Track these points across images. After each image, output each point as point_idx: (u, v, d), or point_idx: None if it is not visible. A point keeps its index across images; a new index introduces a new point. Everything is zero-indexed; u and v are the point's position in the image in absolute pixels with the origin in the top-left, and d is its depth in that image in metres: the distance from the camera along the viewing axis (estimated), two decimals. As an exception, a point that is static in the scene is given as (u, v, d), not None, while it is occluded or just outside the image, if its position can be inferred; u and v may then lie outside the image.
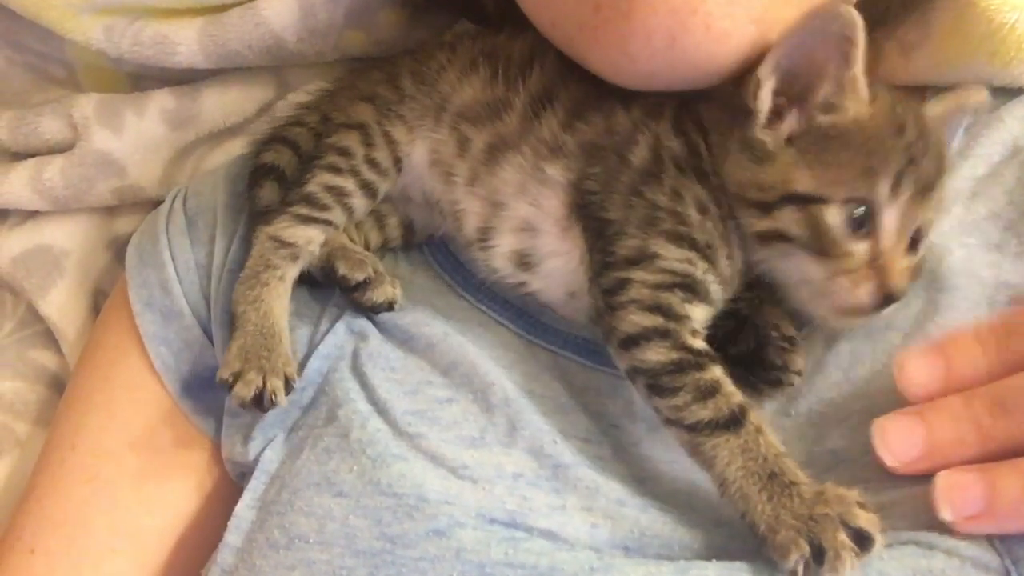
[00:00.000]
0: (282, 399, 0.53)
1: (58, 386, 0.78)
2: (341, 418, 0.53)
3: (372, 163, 0.60)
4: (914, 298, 0.52)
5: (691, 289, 0.50)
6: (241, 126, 0.77)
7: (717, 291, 0.52)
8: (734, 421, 0.46)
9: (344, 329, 0.58)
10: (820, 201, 0.48)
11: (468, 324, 0.58)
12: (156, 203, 0.72)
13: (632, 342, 0.49)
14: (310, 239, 0.58)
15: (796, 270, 0.50)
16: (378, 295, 0.57)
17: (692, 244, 0.51)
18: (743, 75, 0.52)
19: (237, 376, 0.53)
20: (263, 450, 0.56)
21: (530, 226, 0.56)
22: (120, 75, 0.78)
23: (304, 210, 0.59)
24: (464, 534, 0.46)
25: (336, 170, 0.60)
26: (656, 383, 0.48)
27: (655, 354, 0.48)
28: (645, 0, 0.49)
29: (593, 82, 0.55)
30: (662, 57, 0.50)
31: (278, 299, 0.57)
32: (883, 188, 0.48)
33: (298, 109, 0.68)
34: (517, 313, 0.58)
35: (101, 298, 0.78)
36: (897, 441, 0.44)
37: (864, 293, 0.49)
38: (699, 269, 0.51)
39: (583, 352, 0.56)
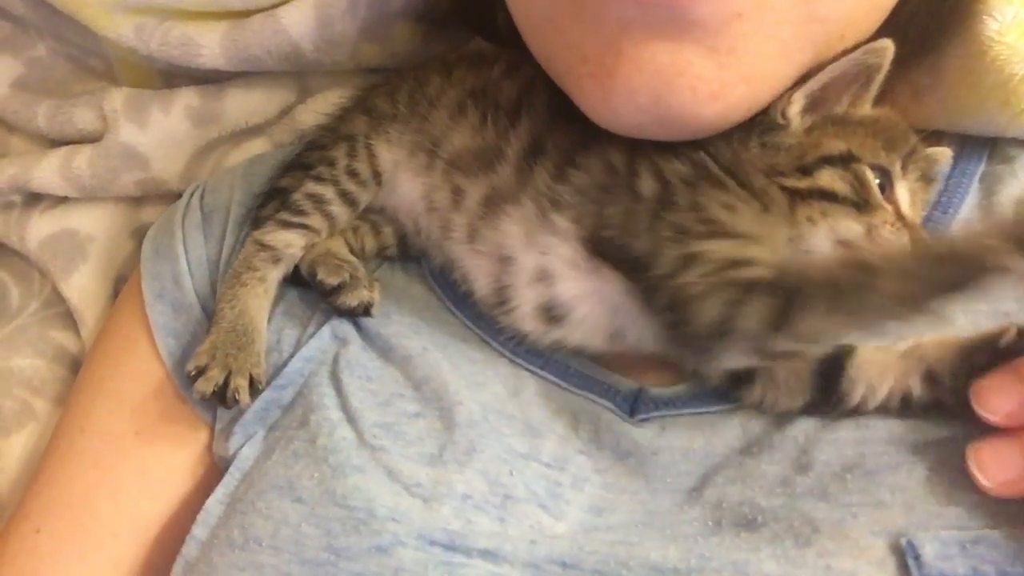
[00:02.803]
0: (244, 398, 0.55)
1: (76, 367, 0.81)
2: (312, 423, 0.54)
3: (352, 173, 0.62)
4: None
5: (752, 264, 0.48)
6: (262, 127, 0.78)
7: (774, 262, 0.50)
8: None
9: (329, 333, 0.59)
10: (854, 159, 0.52)
11: (452, 340, 0.58)
12: (178, 196, 0.74)
13: (723, 327, 0.47)
14: (289, 243, 0.60)
15: (832, 231, 0.51)
16: (351, 299, 0.59)
17: (736, 235, 0.50)
18: None
19: (201, 371, 0.55)
20: (242, 446, 0.57)
21: (546, 274, 0.55)
22: (152, 71, 0.80)
23: (286, 215, 0.61)
24: (405, 553, 0.47)
25: (319, 179, 0.62)
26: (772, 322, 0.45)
27: (752, 313, 0.46)
28: (630, 58, 0.49)
29: (578, 125, 0.54)
30: (647, 114, 0.50)
31: (255, 299, 0.59)
32: (896, 163, 0.53)
33: (319, 132, 0.69)
34: (501, 331, 0.58)
35: (122, 284, 0.80)
36: (992, 463, 0.44)
37: (907, 242, 0.51)
38: (752, 250, 0.49)
39: (563, 374, 0.56)
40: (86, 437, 0.63)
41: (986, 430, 0.46)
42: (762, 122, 0.52)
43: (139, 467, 0.62)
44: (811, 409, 0.51)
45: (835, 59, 0.52)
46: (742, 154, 0.52)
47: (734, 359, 0.49)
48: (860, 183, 0.51)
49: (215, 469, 0.63)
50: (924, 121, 0.61)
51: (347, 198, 0.62)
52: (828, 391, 0.51)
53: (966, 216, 0.58)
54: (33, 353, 0.81)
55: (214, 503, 0.55)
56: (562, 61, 0.54)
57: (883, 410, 0.50)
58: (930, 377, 0.49)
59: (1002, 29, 0.56)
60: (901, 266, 0.43)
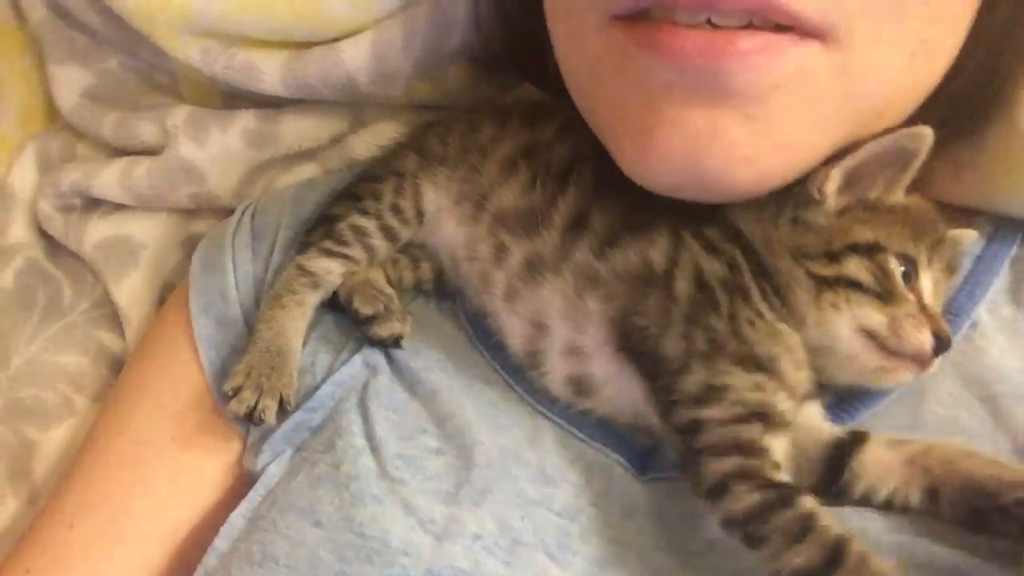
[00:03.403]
0: (271, 418, 0.57)
1: (117, 367, 0.83)
2: (338, 448, 0.56)
3: (396, 210, 0.64)
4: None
5: (767, 419, 0.49)
6: (313, 152, 0.81)
7: (790, 410, 0.51)
8: (832, 562, 0.43)
9: (361, 361, 0.61)
10: (880, 249, 0.52)
11: (476, 380, 0.59)
12: (229, 212, 0.77)
13: (716, 493, 0.47)
14: (329, 270, 0.63)
15: (855, 319, 0.52)
16: (383, 330, 0.60)
17: (759, 365, 0.51)
18: None
19: (236, 391, 0.57)
20: (269, 464, 0.59)
21: (578, 351, 0.56)
22: (214, 91, 0.83)
23: (329, 244, 0.63)
24: None
25: (364, 212, 0.64)
26: (748, 533, 0.46)
27: (739, 501, 0.46)
28: (669, 119, 0.50)
29: (625, 201, 0.55)
30: (683, 175, 0.51)
31: (292, 321, 0.61)
32: (922, 254, 0.53)
33: (372, 163, 0.71)
34: (526, 379, 0.59)
35: (168, 291, 0.83)
36: None
37: (927, 336, 0.51)
38: (769, 391, 0.50)
39: (579, 425, 0.57)
40: (123, 439, 0.65)
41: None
42: (797, 195, 0.53)
43: (173, 472, 0.63)
44: (816, 493, 0.51)
45: (873, 138, 0.52)
46: (772, 232, 0.53)
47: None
48: (884, 274, 0.52)
49: (244, 481, 0.64)
50: (961, 198, 0.62)
51: (388, 233, 0.64)
52: (831, 481, 0.51)
53: (992, 299, 0.58)
54: (79, 351, 0.84)
55: (238, 517, 0.57)
56: (604, 116, 0.55)
57: (886, 508, 0.50)
58: (931, 493, 0.49)
59: (1042, 113, 0.57)
60: None
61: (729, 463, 0.47)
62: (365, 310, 0.60)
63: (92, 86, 0.87)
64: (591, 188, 0.58)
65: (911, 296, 0.52)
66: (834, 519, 0.45)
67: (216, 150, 0.80)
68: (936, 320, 0.52)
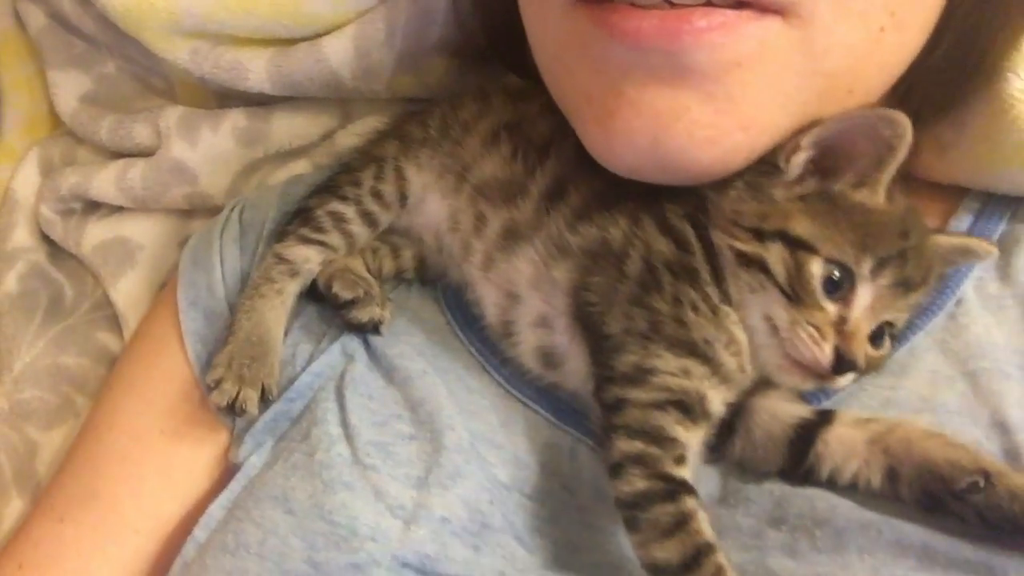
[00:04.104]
0: (252, 409, 0.57)
1: (117, 368, 0.85)
2: (313, 437, 0.56)
3: (376, 195, 0.64)
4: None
5: (686, 408, 0.50)
6: (305, 149, 0.82)
7: (717, 398, 0.51)
8: (688, 566, 0.44)
9: (339, 350, 0.61)
10: (808, 249, 0.50)
11: (454, 365, 0.60)
12: (223, 211, 0.77)
13: (615, 472, 0.48)
14: (307, 258, 0.63)
15: (764, 306, 0.50)
16: (363, 314, 0.60)
17: (691, 349, 0.51)
18: None
19: (218, 383, 0.57)
20: (251, 455, 0.59)
21: (545, 322, 0.57)
22: (208, 92, 0.84)
23: (306, 231, 0.63)
24: (378, 573, 0.48)
25: (343, 198, 0.64)
26: (628, 516, 0.47)
27: (627, 484, 0.47)
28: (630, 100, 0.50)
29: (600, 180, 0.55)
30: (645, 156, 0.51)
31: (272, 311, 0.61)
32: (866, 264, 0.50)
33: (352, 154, 0.71)
34: (503, 362, 0.60)
35: (166, 292, 0.85)
36: None
37: (826, 351, 0.49)
38: (695, 378, 0.50)
39: (555, 410, 0.57)
40: (114, 434, 0.66)
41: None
42: (762, 163, 0.52)
43: (163, 466, 0.64)
44: (784, 476, 0.51)
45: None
46: (722, 200, 0.52)
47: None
48: (799, 275, 0.49)
49: (231, 473, 0.64)
50: (948, 176, 0.61)
51: (368, 218, 0.64)
52: (798, 462, 0.50)
53: (979, 276, 0.57)
54: (79, 352, 0.85)
55: (216, 507, 0.58)
56: (570, 100, 0.55)
57: (851, 489, 0.49)
58: (891, 474, 0.49)
59: (1025, 87, 0.55)
60: None
61: (634, 446, 0.48)
62: (345, 294, 0.61)
63: (90, 91, 0.89)
64: (572, 162, 0.58)
65: (827, 306, 0.49)
66: (709, 528, 0.46)
67: (207, 150, 0.81)
68: (848, 339, 0.49)
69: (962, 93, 0.58)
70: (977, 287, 0.56)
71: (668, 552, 0.45)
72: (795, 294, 0.49)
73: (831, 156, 0.51)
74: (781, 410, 0.52)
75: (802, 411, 0.52)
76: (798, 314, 0.49)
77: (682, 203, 0.54)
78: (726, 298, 0.52)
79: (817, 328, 0.49)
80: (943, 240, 0.55)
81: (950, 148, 0.60)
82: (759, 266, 0.50)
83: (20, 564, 0.63)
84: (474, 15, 0.71)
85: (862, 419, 0.50)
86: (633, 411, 0.49)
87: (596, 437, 0.53)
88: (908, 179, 0.60)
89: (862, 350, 0.49)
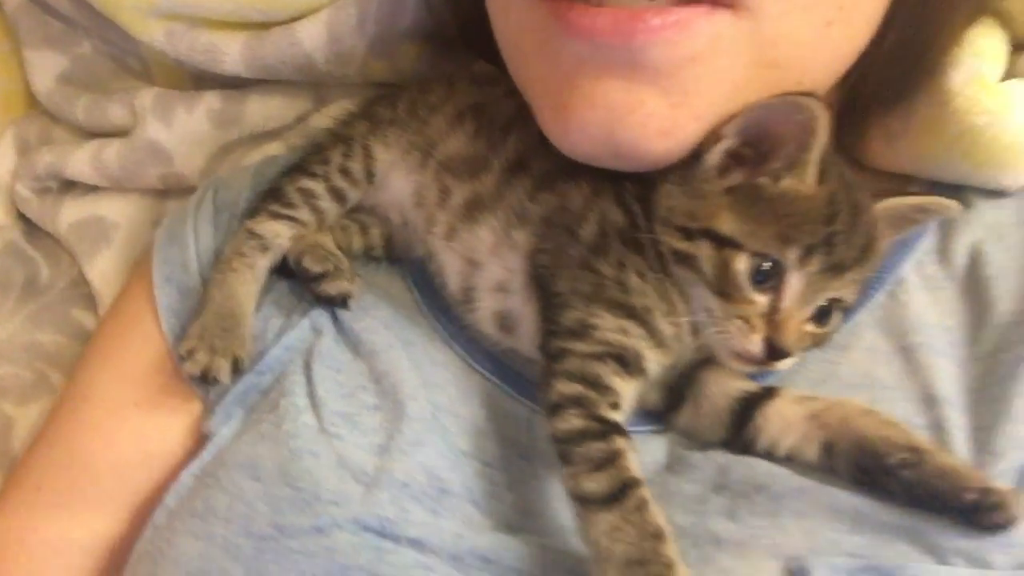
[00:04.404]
0: (224, 378, 0.59)
1: (92, 345, 0.86)
2: (281, 408, 0.58)
3: (344, 172, 0.66)
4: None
5: (623, 361, 0.53)
6: (279, 131, 0.83)
7: (653, 358, 0.54)
8: (615, 496, 0.47)
9: (309, 324, 0.63)
10: (734, 246, 0.51)
11: (419, 339, 0.62)
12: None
13: (552, 410, 0.51)
14: (278, 233, 0.65)
15: (701, 299, 0.53)
16: (331, 288, 0.62)
17: (630, 312, 0.53)
18: None
19: (190, 353, 0.59)
20: (222, 426, 0.61)
21: (503, 287, 0.59)
22: (184, 73, 0.85)
23: (276, 207, 0.66)
24: (340, 536, 0.50)
25: (312, 175, 0.66)
26: (562, 451, 0.50)
27: (564, 422, 0.50)
28: (584, 94, 0.52)
29: (561, 156, 0.57)
30: (601, 146, 0.53)
31: (243, 285, 0.63)
32: (792, 254, 0.51)
33: (322, 134, 0.73)
34: (466, 338, 0.62)
35: (141, 270, 0.86)
36: None
37: (755, 341, 0.51)
38: (633, 337, 0.53)
39: (513, 383, 0.60)
40: (89, 405, 0.67)
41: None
42: (692, 155, 0.53)
43: (137, 436, 0.65)
44: (725, 445, 0.54)
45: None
46: (656, 196, 0.54)
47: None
48: (726, 272, 0.51)
49: (202, 443, 0.65)
50: (895, 165, 0.64)
51: (336, 194, 0.66)
52: (739, 432, 0.53)
53: (919, 259, 0.59)
54: (55, 330, 0.86)
55: (187, 475, 0.59)
56: (529, 88, 0.57)
57: (788, 461, 0.52)
58: (827, 448, 0.51)
59: (963, 80, 0.58)
60: None
61: (574, 388, 0.51)
62: (315, 268, 0.63)
63: (66, 70, 0.90)
64: (533, 139, 0.59)
65: (756, 298, 0.51)
66: (638, 466, 0.49)
67: (182, 131, 0.82)
68: (778, 328, 0.51)
69: (907, 86, 0.60)
70: (917, 268, 0.59)
71: (597, 483, 0.48)
72: (723, 290, 0.51)
73: (760, 145, 0.52)
74: (728, 384, 0.55)
75: (748, 385, 0.55)
76: (729, 308, 0.51)
77: (639, 184, 0.56)
78: (671, 274, 0.54)
79: (746, 320, 0.51)
80: (902, 202, 0.56)
81: (897, 138, 0.62)
82: (691, 263, 0.52)
83: None
84: (444, 3, 0.73)
85: (803, 396, 0.53)
86: (574, 359, 0.52)
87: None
88: (859, 167, 0.63)
89: (793, 337, 0.51)
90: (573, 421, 0.50)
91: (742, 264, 0.51)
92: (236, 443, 0.58)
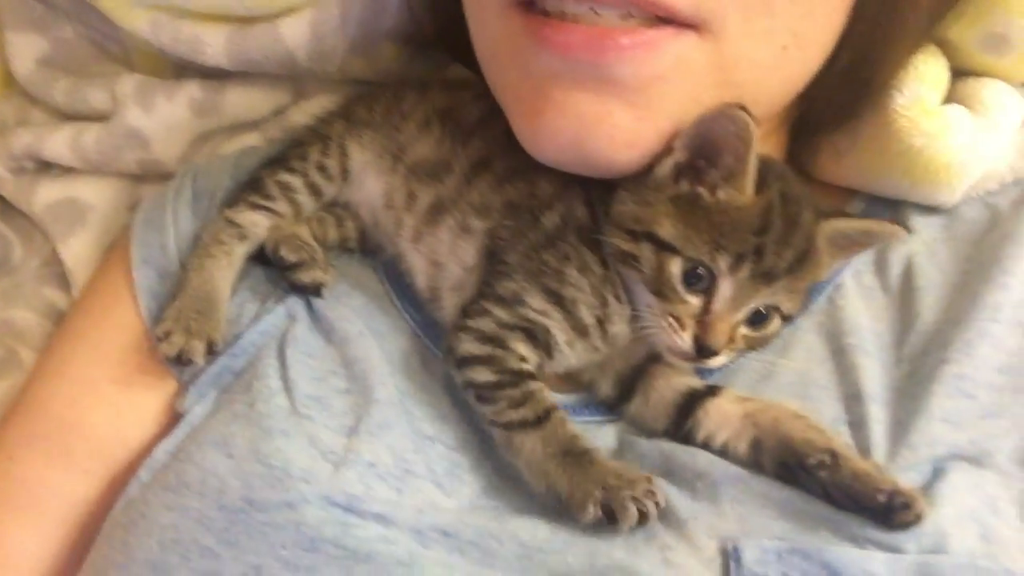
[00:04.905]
0: (199, 359, 0.61)
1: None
2: (254, 389, 0.60)
3: (321, 168, 0.69)
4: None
5: (533, 336, 0.58)
6: (257, 123, 0.85)
7: (566, 342, 0.59)
8: (540, 419, 0.55)
9: (284, 311, 0.66)
10: (671, 250, 0.55)
11: (389, 329, 0.65)
12: (174, 177, 0.80)
13: (464, 363, 0.58)
14: (255, 223, 0.68)
15: (642, 295, 0.57)
16: (306, 276, 0.66)
17: (558, 300, 0.58)
18: None
19: (167, 334, 0.62)
20: (196, 405, 0.63)
21: (460, 286, 0.63)
22: (165, 61, 0.86)
23: (256, 198, 0.69)
24: (308, 510, 0.53)
25: (291, 169, 0.70)
26: (480, 394, 0.57)
27: (479, 375, 0.57)
28: (556, 103, 0.55)
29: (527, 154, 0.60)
30: (569, 154, 0.57)
31: (220, 270, 0.66)
32: (722, 262, 0.54)
33: (301, 131, 0.76)
34: (433, 330, 0.65)
35: (115, 252, 0.88)
36: None
37: (685, 338, 0.55)
38: (552, 320, 0.58)
39: None
40: (65, 381, 0.69)
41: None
42: (645, 168, 0.57)
43: (111, 413, 0.67)
44: (666, 435, 0.58)
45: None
46: (611, 203, 0.58)
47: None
48: (661, 273, 0.55)
49: (175, 421, 0.67)
50: (842, 179, 0.68)
51: (313, 189, 0.70)
52: (680, 424, 0.58)
53: (857, 268, 0.64)
54: (26, 307, 0.87)
55: (161, 452, 0.62)
56: (503, 95, 0.61)
57: (722, 454, 0.56)
58: (756, 445, 0.56)
59: (906, 103, 0.63)
60: None
61: (482, 350, 0.58)
62: (291, 257, 0.66)
63: (47, 53, 0.90)
64: (500, 141, 0.63)
65: (690, 299, 0.55)
66: (552, 397, 0.57)
67: (162, 118, 0.83)
68: (707, 328, 0.55)
69: (856, 106, 0.65)
70: (855, 276, 0.63)
71: (522, 414, 0.55)
72: (659, 289, 0.55)
73: (704, 156, 0.55)
74: (675, 379, 0.59)
75: (693, 382, 0.59)
76: (664, 306, 0.55)
77: (604, 188, 0.60)
78: (615, 272, 0.58)
79: (677, 319, 0.55)
80: (850, 224, 0.60)
81: (845, 154, 0.67)
82: (633, 262, 0.56)
83: None
84: (424, 7, 0.76)
85: (742, 397, 0.58)
86: (489, 322, 0.58)
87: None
88: (808, 180, 0.68)
89: (722, 338, 0.55)
90: (485, 374, 0.57)
91: (676, 267, 0.55)
92: (209, 421, 0.61)
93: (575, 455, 0.54)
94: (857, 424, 0.56)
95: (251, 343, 0.64)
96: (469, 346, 0.58)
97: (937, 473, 0.53)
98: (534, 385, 0.56)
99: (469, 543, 0.52)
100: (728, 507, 0.53)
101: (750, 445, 0.56)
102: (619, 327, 0.59)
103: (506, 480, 0.57)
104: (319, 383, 0.60)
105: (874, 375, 0.58)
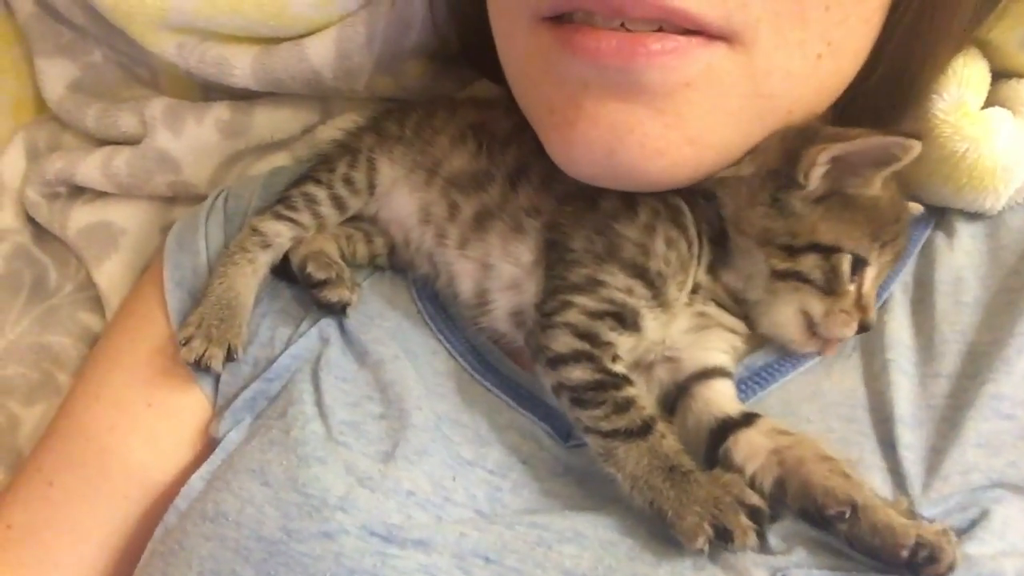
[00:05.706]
0: (217, 366, 0.62)
1: (98, 347, 0.88)
2: (289, 415, 0.60)
3: (347, 180, 0.69)
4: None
5: (622, 319, 0.57)
6: (286, 142, 0.85)
7: (651, 318, 0.58)
8: (644, 429, 0.54)
9: (317, 334, 0.65)
10: (837, 251, 0.57)
11: (423, 350, 0.64)
12: (205, 199, 0.80)
13: (560, 361, 0.56)
14: (279, 232, 0.68)
15: (800, 303, 0.58)
16: (332, 295, 0.65)
17: (642, 274, 0.57)
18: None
19: (188, 340, 0.62)
20: (230, 430, 0.63)
21: (515, 284, 0.62)
22: (192, 84, 0.87)
23: (280, 208, 0.69)
24: (346, 541, 0.53)
25: (316, 181, 0.70)
26: (579, 397, 0.55)
27: (580, 373, 0.55)
28: (588, 113, 0.54)
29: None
30: (601, 166, 0.56)
31: (243, 277, 0.66)
32: (875, 250, 0.58)
33: (330, 145, 0.76)
34: (468, 349, 0.64)
35: (148, 275, 0.88)
36: None
37: (854, 327, 0.58)
38: (637, 297, 0.57)
39: (513, 395, 0.62)
40: (101, 404, 0.69)
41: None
42: (783, 177, 0.57)
43: (149, 437, 0.67)
44: (705, 460, 0.56)
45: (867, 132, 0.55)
46: (745, 211, 0.58)
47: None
48: (834, 273, 0.57)
49: (211, 447, 0.66)
50: (883, 188, 0.66)
51: (337, 202, 0.69)
52: (711, 450, 0.56)
53: (904, 280, 0.62)
54: (62, 331, 0.88)
55: (197, 479, 0.61)
56: (534, 110, 0.60)
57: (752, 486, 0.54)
58: (780, 484, 0.54)
59: (947, 108, 0.61)
60: None
61: (578, 344, 0.56)
62: (318, 275, 0.66)
63: (77, 79, 0.91)
64: (534, 148, 0.62)
65: (852, 289, 0.57)
66: (650, 404, 0.56)
67: (191, 140, 0.84)
68: (866, 311, 0.58)
69: (894, 112, 0.63)
70: (903, 288, 0.62)
71: (627, 421, 0.54)
72: (832, 289, 0.57)
73: (842, 164, 0.56)
74: (714, 403, 0.58)
75: (731, 410, 0.57)
76: (832, 304, 0.57)
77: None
78: (699, 258, 0.59)
79: (846, 312, 0.57)
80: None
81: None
82: (796, 276, 0.57)
83: (9, 525, 0.66)
84: (450, 23, 0.76)
85: (776, 429, 0.56)
86: (577, 314, 0.57)
87: (553, 412, 0.60)
88: None
89: (874, 313, 0.58)
90: (584, 373, 0.55)
91: (846, 265, 0.57)
92: (245, 448, 0.61)
93: (683, 472, 0.52)
94: (891, 447, 0.55)
95: (285, 367, 0.64)
96: (565, 340, 0.56)
97: (983, 512, 0.51)
98: (633, 391, 0.55)
99: (512, 569, 0.52)
100: (775, 541, 0.51)
101: (774, 484, 0.54)
102: (727, 300, 0.60)
103: (550, 499, 0.56)
104: (354, 408, 0.60)
105: (907, 395, 0.56)
